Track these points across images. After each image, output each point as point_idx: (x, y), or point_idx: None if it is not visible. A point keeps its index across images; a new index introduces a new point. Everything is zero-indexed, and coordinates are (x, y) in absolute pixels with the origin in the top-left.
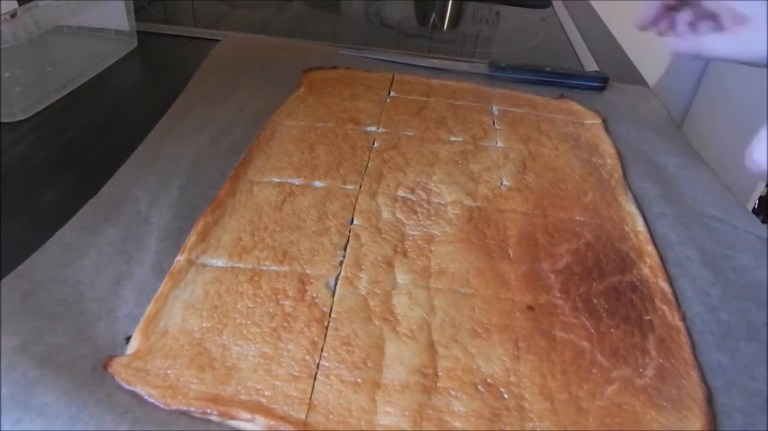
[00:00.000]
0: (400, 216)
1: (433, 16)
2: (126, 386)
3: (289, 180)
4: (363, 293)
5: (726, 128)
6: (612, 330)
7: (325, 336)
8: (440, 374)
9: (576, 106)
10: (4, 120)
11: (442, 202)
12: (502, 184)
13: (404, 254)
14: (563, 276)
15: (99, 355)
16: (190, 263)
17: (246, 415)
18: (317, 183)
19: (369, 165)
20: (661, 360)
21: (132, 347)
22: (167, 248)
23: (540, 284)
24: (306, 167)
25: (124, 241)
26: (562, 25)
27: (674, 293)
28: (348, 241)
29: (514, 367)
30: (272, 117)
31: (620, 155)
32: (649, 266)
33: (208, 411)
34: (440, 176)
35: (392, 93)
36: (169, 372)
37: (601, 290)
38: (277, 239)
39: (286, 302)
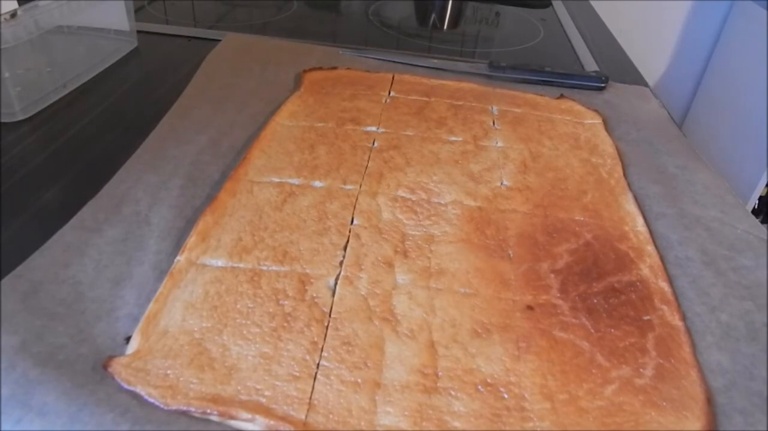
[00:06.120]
0: (400, 216)
1: (433, 16)
2: (126, 386)
3: (289, 180)
4: (363, 293)
5: (726, 128)
6: (611, 330)
7: (325, 336)
8: (440, 374)
9: (576, 106)
10: (4, 120)
11: (443, 202)
12: (502, 184)
13: (404, 254)
14: (563, 276)
15: (99, 355)
16: (190, 263)
17: (246, 415)
18: (317, 183)
19: (369, 165)
20: (661, 360)
21: (132, 347)
22: (167, 248)
23: (540, 284)
24: (306, 167)
25: (124, 241)
26: (562, 25)
27: (674, 294)
28: (348, 241)
29: (514, 367)
30: (272, 117)
31: (620, 155)
32: (648, 266)
33: (208, 411)
34: (440, 176)
35: (392, 93)
36: (169, 372)
37: (601, 289)
38: (278, 239)
39: (286, 302)
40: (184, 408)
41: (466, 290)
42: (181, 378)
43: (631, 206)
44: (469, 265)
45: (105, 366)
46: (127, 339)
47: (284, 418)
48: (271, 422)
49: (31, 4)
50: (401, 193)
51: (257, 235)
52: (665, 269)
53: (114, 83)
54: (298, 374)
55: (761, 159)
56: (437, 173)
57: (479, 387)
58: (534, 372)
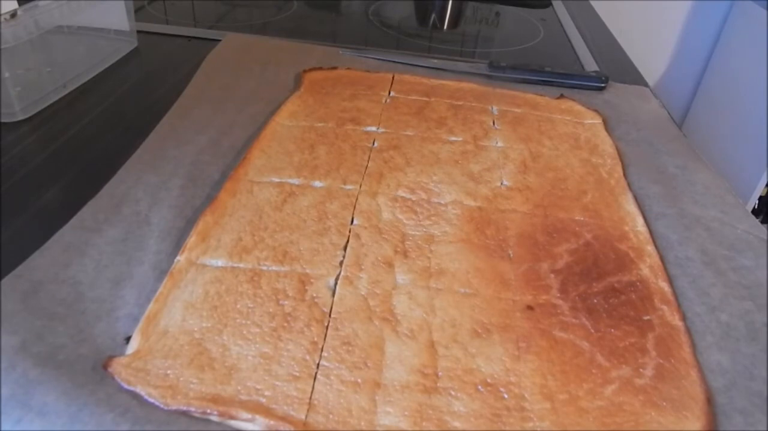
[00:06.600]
0: (400, 216)
1: (433, 16)
2: (126, 386)
3: (289, 180)
4: (363, 293)
5: (726, 128)
6: (611, 330)
7: (325, 336)
8: (440, 374)
9: (576, 106)
10: (4, 120)
11: (443, 202)
12: (502, 184)
13: (404, 254)
14: (563, 276)
15: (99, 355)
16: (190, 263)
17: (246, 415)
18: (317, 183)
19: (369, 165)
20: (661, 360)
21: (132, 347)
22: (167, 249)
23: (540, 284)
24: (306, 167)
25: (124, 241)
26: (562, 25)
27: (674, 294)
28: (348, 241)
29: (514, 367)
30: (272, 117)
31: (620, 155)
32: (648, 266)
33: (208, 411)
34: (440, 176)
35: (392, 93)
36: (169, 372)
37: (601, 289)
38: (277, 239)
39: (286, 302)
40: (184, 408)
41: (466, 290)
42: (181, 378)
43: (631, 206)
44: (469, 265)
45: (105, 366)
46: (127, 339)
47: (284, 418)
48: (271, 422)
49: (31, 4)
50: (401, 193)
51: (257, 235)
52: (665, 269)
53: (114, 83)
54: (298, 374)
55: (761, 159)
56: (437, 173)
57: (479, 387)
58: (534, 372)
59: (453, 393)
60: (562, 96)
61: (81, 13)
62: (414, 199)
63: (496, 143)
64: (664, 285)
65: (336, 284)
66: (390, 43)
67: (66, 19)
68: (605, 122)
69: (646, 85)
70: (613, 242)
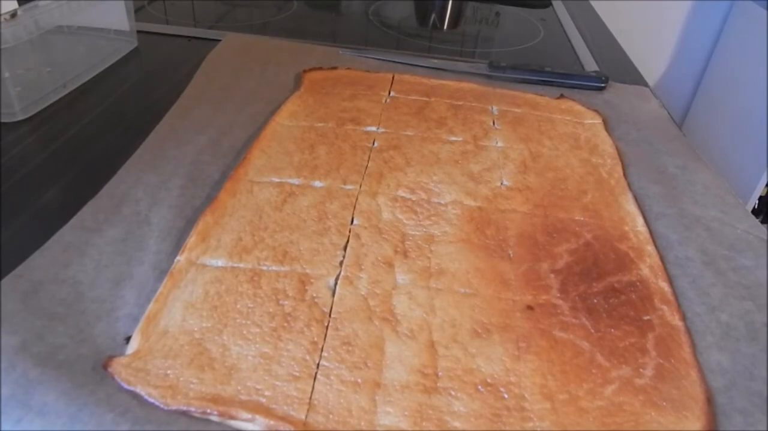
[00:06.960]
0: (400, 216)
1: (433, 16)
2: (126, 386)
3: (289, 180)
4: (363, 293)
5: (726, 128)
6: (611, 330)
7: (325, 336)
8: (440, 374)
9: (576, 106)
10: (4, 120)
11: (443, 202)
12: (502, 184)
13: (404, 254)
14: (563, 276)
15: (99, 355)
16: (190, 263)
17: (246, 415)
18: (317, 183)
19: (369, 165)
20: (661, 360)
21: (132, 347)
22: (167, 248)
23: (540, 284)
24: (306, 167)
25: (124, 241)
26: (562, 25)
27: (674, 294)
28: (348, 241)
29: (514, 367)
30: (272, 117)
31: (620, 155)
32: (648, 266)
33: (208, 411)
34: (440, 176)
35: (392, 93)
36: (169, 372)
37: (601, 289)
38: (277, 239)
39: (286, 302)
40: (184, 408)
41: (466, 290)
42: (181, 378)
43: (631, 206)
44: (469, 265)
45: (105, 366)
46: (127, 339)
47: (284, 418)
48: (271, 422)
49: (31, 4)
50: (401, 193)
51: (257, 235)
52: (665, 269)
53: (114, 83)
54: (298, 374)
55: (761, 159)
56: (437, 173)
57: (479, 387)
58: (534, 372)
59: (453, 393)
60: (562, 96)
61: (81, 13)
62: (414, 199)
63: (496, 143)
64: (664, 285)
65: (336, 284)
66: (390, 43)
67: (66, 19)
68: (605, 122)
69: (646, 85)
70: (613, 242)
